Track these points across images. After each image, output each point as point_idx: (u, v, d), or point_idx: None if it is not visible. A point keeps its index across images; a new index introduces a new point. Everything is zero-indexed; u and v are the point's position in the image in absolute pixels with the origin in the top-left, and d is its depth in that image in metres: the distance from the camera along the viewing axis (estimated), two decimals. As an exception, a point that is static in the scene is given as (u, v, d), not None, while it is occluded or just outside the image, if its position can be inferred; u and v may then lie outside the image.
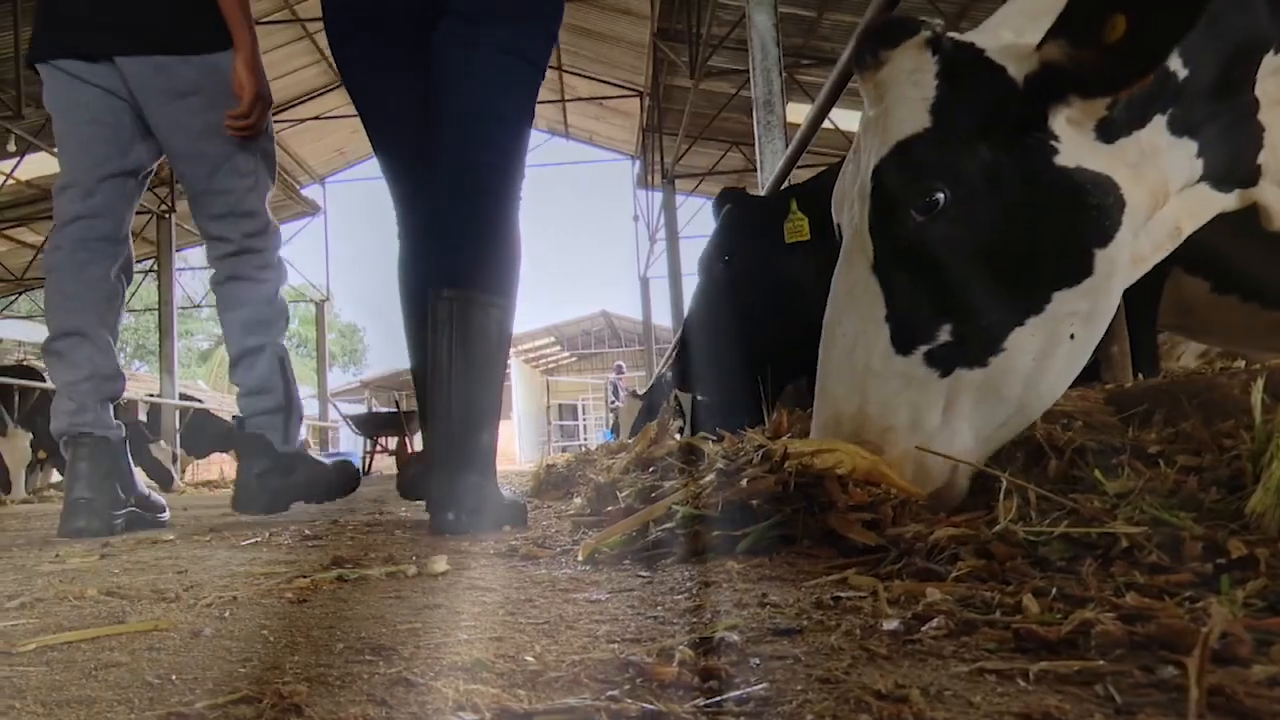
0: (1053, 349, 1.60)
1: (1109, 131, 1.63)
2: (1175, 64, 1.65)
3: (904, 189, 1.63)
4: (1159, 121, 1.66)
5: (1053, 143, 1.60)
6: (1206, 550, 1.12)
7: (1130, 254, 1.67)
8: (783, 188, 4.47)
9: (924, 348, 1.60)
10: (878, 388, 1.61)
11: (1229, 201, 1.78)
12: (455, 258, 2.59)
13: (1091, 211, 1.59)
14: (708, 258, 3.99)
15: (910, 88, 1.66)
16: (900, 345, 1.61)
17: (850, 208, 1.76)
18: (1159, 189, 1.67)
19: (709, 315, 3.94)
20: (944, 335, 1.60)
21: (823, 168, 4.04)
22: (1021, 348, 1.58)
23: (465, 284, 2.57)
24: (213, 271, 3.56)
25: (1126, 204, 1.61)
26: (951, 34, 1.72)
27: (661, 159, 18.67)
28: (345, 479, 3.60)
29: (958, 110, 1.63)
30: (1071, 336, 1.61)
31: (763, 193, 5.76)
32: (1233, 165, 1.74)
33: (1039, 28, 1.61)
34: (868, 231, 1.68)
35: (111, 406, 3.31)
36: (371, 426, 15.86)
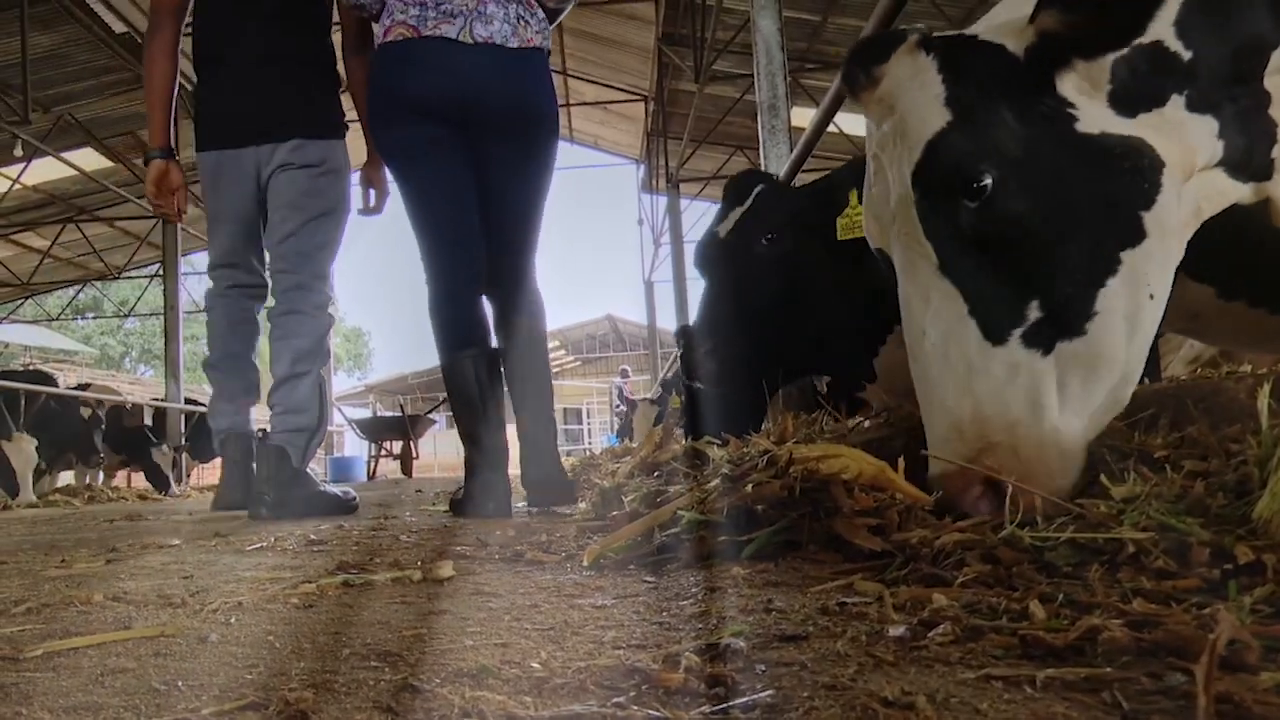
0: (1138, 308, 1.56)
1: (1127, 104, 1.61)
2: (1177, 45, 1.65)
3: (949, 183, 1.60)
4: (1177, 100, 1.65)
5: (1069, 110, 1.59)
6: (1214, 556, 1.12)
7: (1178, 219, 1.64)
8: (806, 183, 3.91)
9: (1017, 331, 1.55)
10: (984, 384, 1.55)
11: (1244, 192, 1.77)
12: (516, 336, 3.53)
13: (1128, 175, 1.57)
14: (741, 236, 3.44)
15: (918, 90, 1.65)
16: (993, 335, 1.56)
17: (892, 228, 1.72)
18: (1189, 154, 1.64)
19: (737, 296, 3.41)
20: (1034, 313, 1.55)
21: (827, 172, 3.77)
22: (1112, 309, 1.54)
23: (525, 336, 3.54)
24: (273, 303, 4.11)
25: (1164, 163, 1.59)
26: (938, 32, 1.73)
27: (666, 163, 18.67)
28: (344, 507, 3.98)
29: (971, 96, 1.61)
30: (1152, 296, 1.58)
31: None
32: (1248, 155, 1.73)
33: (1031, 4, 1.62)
34: (923, 237, 1.64)
35: (249, 408, 4.26)
36: (376, 431, 15.86)
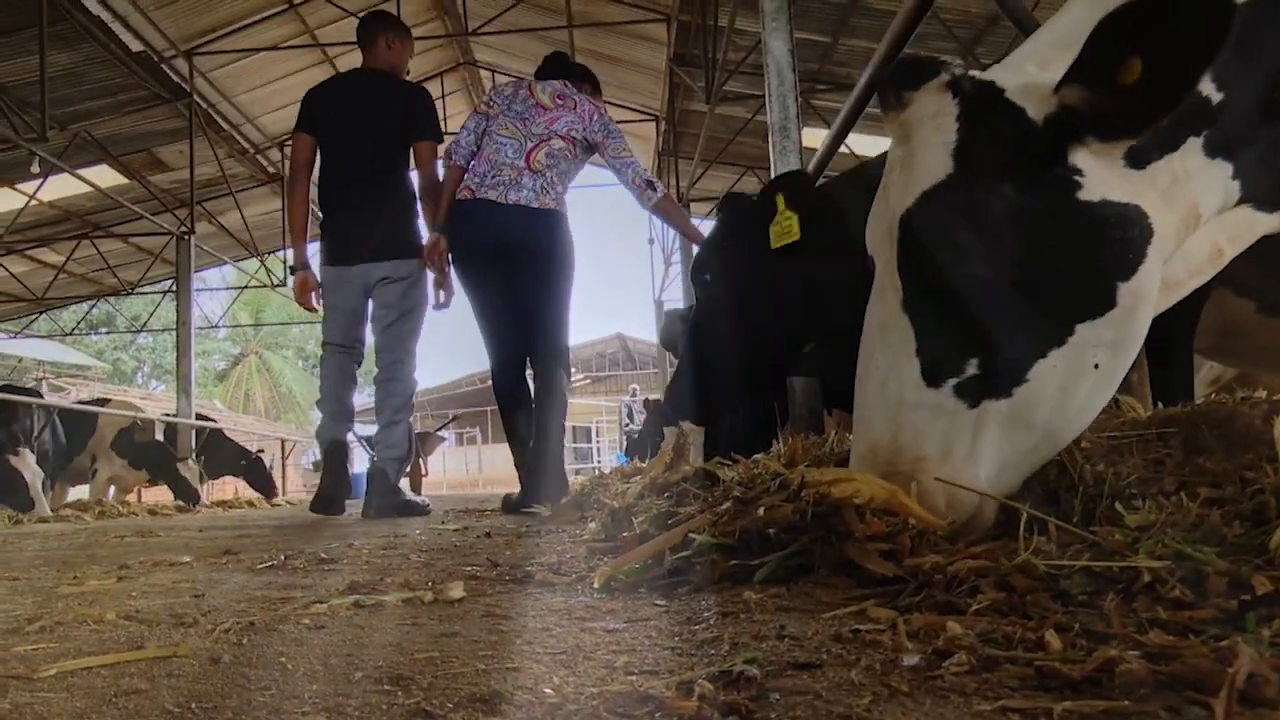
0: (1077, 379, 1.62)
1: (1139, 157, 1.64)
2: (1208, 88, 1.66)
3: (929, 235, 1.68)
4: (1193, 144, 1.67)
5: (1076, 178, 1.62)
6: (1231, 586, 1.11)
7: (1161, 281, 1.68)
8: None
9: (952, 380, 1.63)
10: (909, 419, 1.65)
11: (1274, 222, 1.78)
12: (545, 410, 5.06)
13: (1115, 245, 1.61)
14: (691, 274, 3.80)
15: (933, 132, 1.70)
16: (930, 378, 1.65)
17: (881, 245, 1.80)
18: (1190, 214, 1.67)
19: (693, 339, 3.71)
20: (971, 369, 1.63)
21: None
22: (1045, 378, 1.61)
23: (552, 411, 5.06)
24: (376, 372, 5.63)
25: (1154, 233, 1.62)
26: (973, 73, 1.74)
27: (677, 183, 18.67)
28: (421, 511, 5.62)
29: (979, 153, 1.66)
30: (1096, 366, 1.63)
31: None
32: (1277, 188, 1.74)
33: (1064, 59, 1.63)
34: (895, 271, 1.73)
35: (346, 430, 5.71)
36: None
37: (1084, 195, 1.61)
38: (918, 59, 1.81)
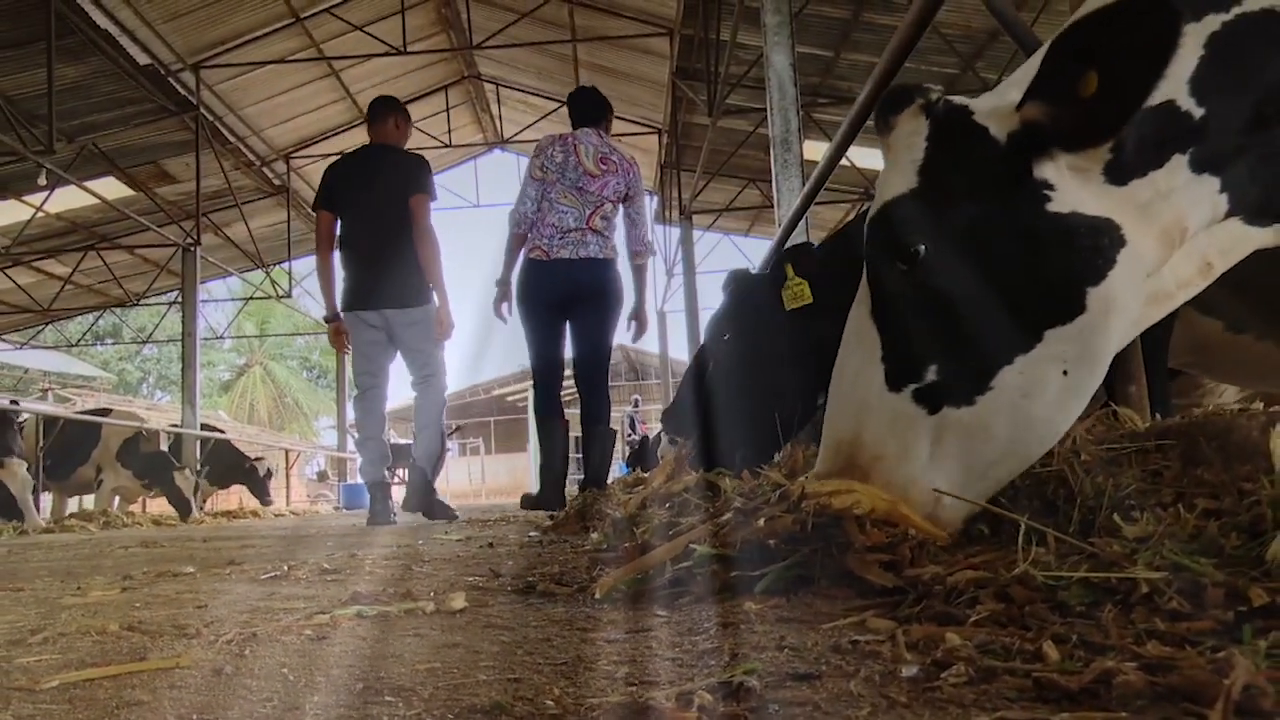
0: (1043, 387, 1.62)
1: (1119, 173, 1.65)
2: (1188, 104, 1.66)
3: (888, 243, 1.74)
4: (1178, 161, 1.67)
5: (1046, 191, 1.64)
6: (1228, 598, 1.11)
7: (1149, 295, 1.69)
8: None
9: (913, 386, 1.66)
10: (871, 421, 1.68)
11: (1266, 236, 1.78)
12: (597, 425, 6.00)
13: (1083, 253, 1.62)
14: (708, 342, 4.05)
15: (904, 150, 1.78)
16: (892, 383, 1.68)
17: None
18: (1174, 228, 1.68)
19: (709, 397, 3.88)
20: (931, 375, 1.66)
21: (842, 204, 3.97)
22: (1009, 386, 1.62)
23: (603, 423, 6.05)
24: (411, 379, 6.68)
25: (1126, 243, 1.64)
26: (949, 98, 1.80)
27: (679, 194, 18.71)
28: (450, 513, 6.65)
29: (942, 169, 1.72)
30: (1065, 373, 1.63)
31: (778, 229, 5.79)
32: (1269, 199, 1.74)
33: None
34: (865, 280, 1.81)
35: (385, 469, 6.65)
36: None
37: (1053, 207, 1.63)
38: (905, 87, 1.87)
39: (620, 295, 6.06)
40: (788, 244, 5.56)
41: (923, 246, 1.68)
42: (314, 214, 6.69)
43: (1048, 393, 1.63)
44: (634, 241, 6.22)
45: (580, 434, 6.06)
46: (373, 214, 6.36)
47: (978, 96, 1.84)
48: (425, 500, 6.56)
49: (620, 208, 6.16)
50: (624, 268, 6.23)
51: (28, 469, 9.78)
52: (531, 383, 6.18)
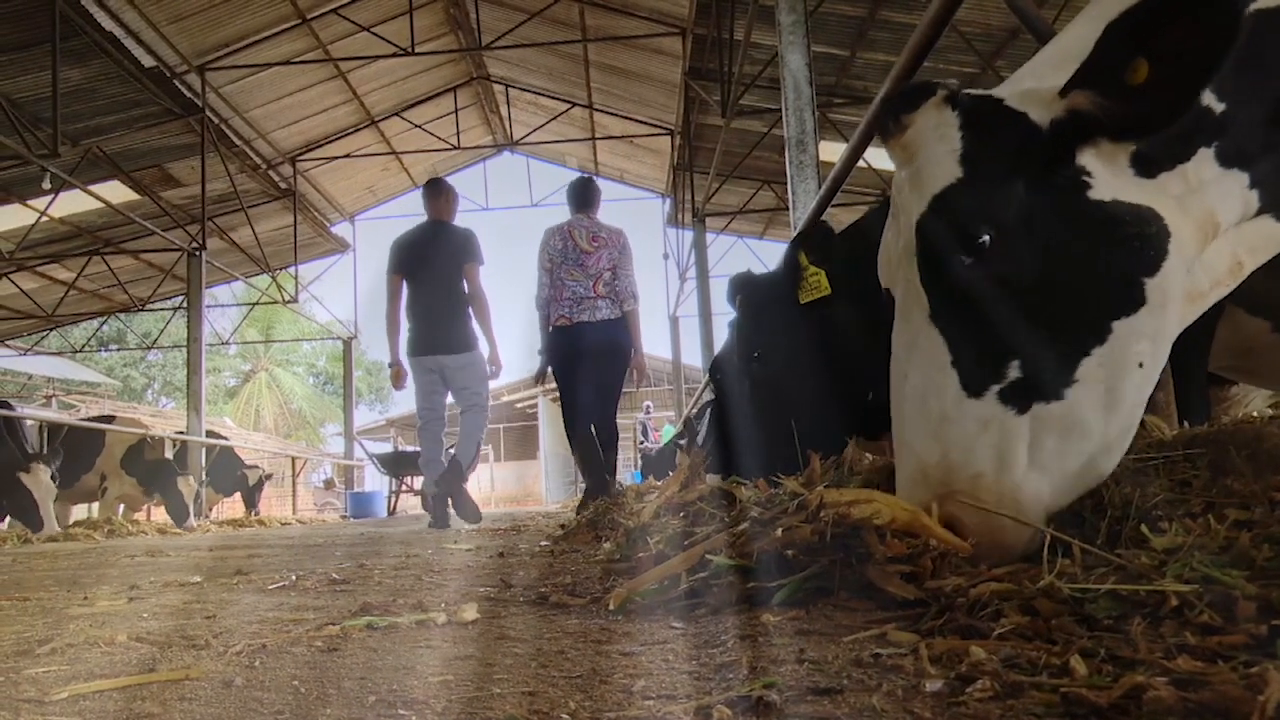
0: (1123, 378, 1.58)
1: (1147, 166, 1.62)
2: (1209, 99, 1.64)
3: (948, 236, 1.64)
4: (1205, 154, 1.65)
5: (1085, 178, 1.61)
6: (1260, 611, 1.09)
7: (1185, 288, 1.66)
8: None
9: (995, 387, 1.58)
10: (956, 434, 1.58)
11: None
12: (608, 443, 7.18)
13: (1134, 242, 1.58)
14: (734, 357, 3.66)
15: (937, 143, 1.69)
16: (971, 388, 1.59)
17: (897, 270, 1.78)
18: (1207, 222, 1.65)
19: (760, 416, 3.46)
20: (1013, 372, 1.58)
21: (859, 206, 3.75)
22: (1093, 377, 1.57)
23: (612, 447, 7.22)
24: (460, 410, 7.87)
25: (1172, 234, 1.60)
26: (968, 90, 1.75)
27: (692, 197, 18.66)
28: (477, 515, 7.69)
29: (985, 157, 1.65)
30: (1140, 365, 1.59)
31: (794, 232, 5.73)
32: None
33: (1063, 74, 1.64)
34: (920, 285, 1.69)
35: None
36: (397, 466, 15.85)
37: (1095, 195, 1.60)
38: (914, 84, 1.81)
39: (628, 348, 7.40)
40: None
41: (988, 235, 1.61)
42: (386, 277, 8.01)
43: (1128, 383, 1.58)
44: (621, 292, 7.41)
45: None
46: (431, 279, 7.79)
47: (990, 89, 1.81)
48: (455, 484, 7.59)
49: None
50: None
51: (50, 475, 9.69)
52: (564, 418, 7.44)
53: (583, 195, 7.72)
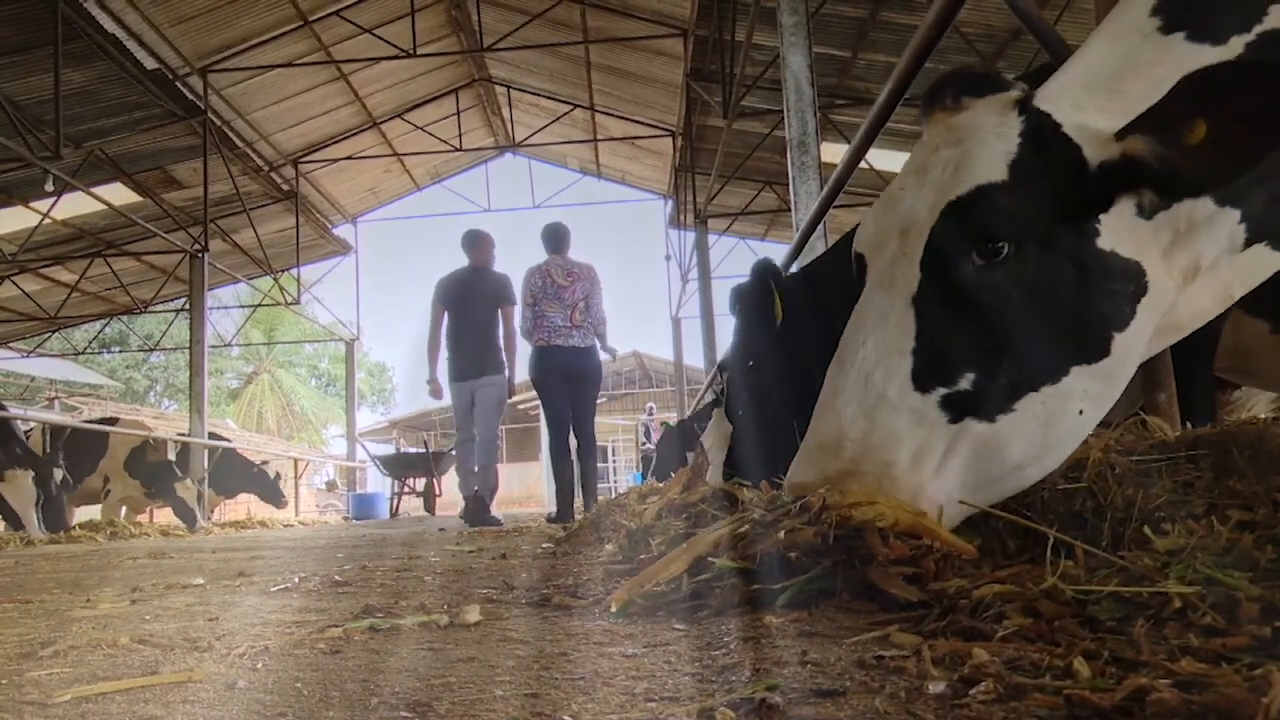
0: (1059, 420, 1.61)
1: (1147, 207, 1.63)
2: None
3: (973, 229, 1.64)
4: (1206, 196, 1.66)
5: (1096, 225, 1.62)
6: (1263, 612, 1.09)
7: (1158, 328, 1.69)
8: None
9: (942, 390, 1.61)
10: (887, 419, 1.61)
11: None
12: (587, 461, 8.68)
13: (1116, 297, 1.61)
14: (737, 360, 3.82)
15: (995, 139, 1.68)
16: (920, 382, 1.62)
17: (890, 242, 1.76)
18: (1190, 267, 1.68)
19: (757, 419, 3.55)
20: (964, 383, 1.61)
21: (860, 208, 3.74)
22: (1031, 413, 1.60)
23: (592, 459, 8.80)
24: (478, 436, 8.97)
25: (1148, 290, 1.63)
26: (1036, 103, 1.73)
27: (694, 198, 18.66)
28: (495, 523, 8.40)
29: (1032, 173, 1.64)
30: (1080, 413, 1.62)
31: (796, 233, 5.72)
32: None
33: (1094, 104, 1.65)
34: (917, 262, 1.69)
35: (474, 486, 8.86)
36: (399, 467, 15.87)
37: (1100, 243, 1.61)
38: (983, 71, 1.80)
39: (600, 373, 8.87)
40: (805, 248, 5.53)
41: (1009, 246, 1.61)
42: (431, 308, 9.25)
43: (1062, 426, 1.62)
44: (594, 320, 8.64)
45: (579, 467, 8.68)
46: (469, 317, 9.06)
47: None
48: (482, 516, 8.48)
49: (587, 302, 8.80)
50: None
51: (34, 479, 9.55)
52: (547, 432, 8.59)
53: (555, 238, 9.01)
